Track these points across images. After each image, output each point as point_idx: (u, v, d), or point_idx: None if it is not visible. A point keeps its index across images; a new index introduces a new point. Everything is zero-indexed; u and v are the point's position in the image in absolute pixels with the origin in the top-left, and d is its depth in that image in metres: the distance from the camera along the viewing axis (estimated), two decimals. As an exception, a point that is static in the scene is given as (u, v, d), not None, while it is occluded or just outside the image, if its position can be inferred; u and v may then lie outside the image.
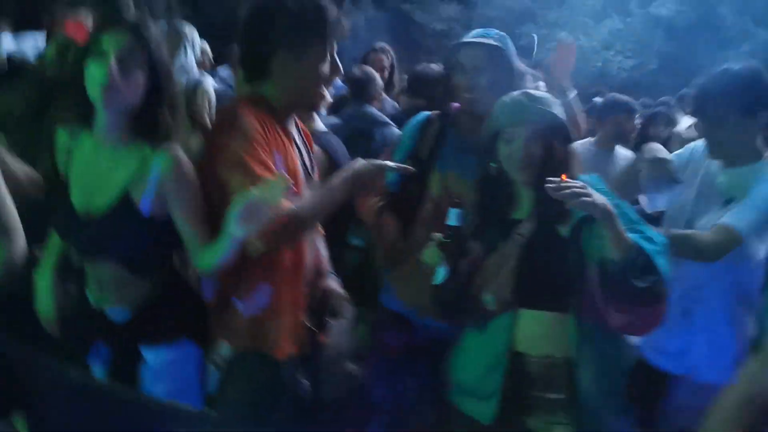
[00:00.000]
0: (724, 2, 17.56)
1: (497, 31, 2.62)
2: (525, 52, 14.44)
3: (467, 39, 2.58)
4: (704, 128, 2.53)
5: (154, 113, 1.97)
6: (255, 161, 1.79)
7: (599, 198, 1.80)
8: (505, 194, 2.12)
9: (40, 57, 3.42)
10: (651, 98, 13.05)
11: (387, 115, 4.16)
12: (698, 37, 17.34)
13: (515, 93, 2.15)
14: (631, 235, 1.83)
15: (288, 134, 2.01)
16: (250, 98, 1.96)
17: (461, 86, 2.53)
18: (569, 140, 2.15)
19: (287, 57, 1.91)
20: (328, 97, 2.20)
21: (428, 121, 2.65)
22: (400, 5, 15.32)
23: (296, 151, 2.05)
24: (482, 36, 2.57)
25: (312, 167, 2.17)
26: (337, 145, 3.27)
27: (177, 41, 4.49)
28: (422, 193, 2.47)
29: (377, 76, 4.32)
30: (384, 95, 4.71)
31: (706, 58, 16.86)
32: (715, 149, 2.50)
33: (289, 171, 1.90)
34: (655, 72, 17.06)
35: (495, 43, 2.54)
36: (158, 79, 1.97)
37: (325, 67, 1.95)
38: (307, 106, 2.15)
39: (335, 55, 2.00)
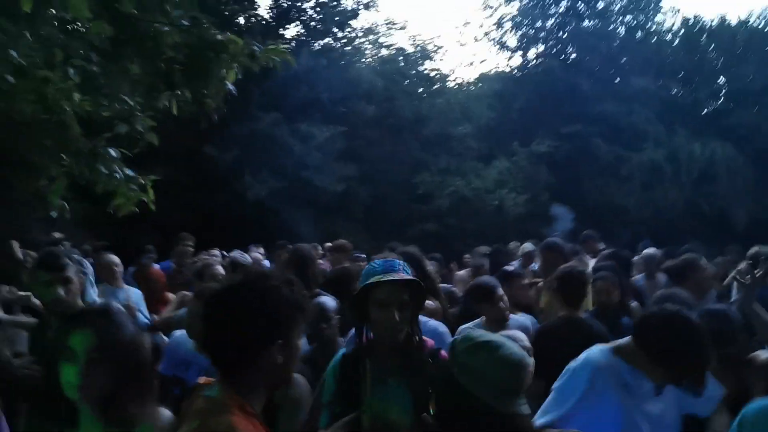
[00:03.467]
0: (595, 134, 19.95)
1: (399, 261, 2.80)
2: (424, 199, 15.75)
3: (378, 279, 2.68)
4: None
5: (125, 398, 2.08)
6: None
7: None
8: None
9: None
10: (548, 226, 14.49)
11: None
12: (578, 167, 19.47)
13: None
14: None
15: (259, 419, 2.01)
16: (236, 398, 1.91)
17: (379, 321, 2.68)
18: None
19: (275, 350, 1.91)
20: None
21: (345, 358, 2.85)
22: (299, 172, 16.46)
23: None
24: (393, 271, 2.71)
25: None
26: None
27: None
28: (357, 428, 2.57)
29: None
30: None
31: (588, 185, 18.94)
32: None
33: None
34: (546, 203, 18.83)
35: (408, 277, 2.71)
36: (127, 363, 2.11)
37: (294, 353, 2.01)
38: (281, 385, 2.16)
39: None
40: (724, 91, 22.77)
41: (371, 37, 21.85)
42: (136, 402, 2.11)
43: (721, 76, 22.78)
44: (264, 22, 18.72)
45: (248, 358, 1.90)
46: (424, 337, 2.82)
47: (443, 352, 2.73)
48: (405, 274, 2.71)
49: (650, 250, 7.73)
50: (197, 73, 4.09)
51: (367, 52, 21.94)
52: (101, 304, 3.07)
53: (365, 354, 2.77)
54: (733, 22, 22.75)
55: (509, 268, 5.54)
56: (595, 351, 2.96)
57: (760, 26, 22.52)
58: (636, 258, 7.82)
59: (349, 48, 20.91)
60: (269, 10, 19.14)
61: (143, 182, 4.63)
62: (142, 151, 4.78)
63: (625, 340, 2.93)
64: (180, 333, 4.21)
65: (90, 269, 4.90)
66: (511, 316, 4.51)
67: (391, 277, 2.67)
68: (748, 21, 22.68)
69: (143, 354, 2.20)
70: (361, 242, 13.60)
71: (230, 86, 4.29)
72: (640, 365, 2.80)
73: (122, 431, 2.08)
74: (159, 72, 4.24)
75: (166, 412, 2.43)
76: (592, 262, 6.87)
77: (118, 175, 4.50)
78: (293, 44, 17.97)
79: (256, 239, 10.89)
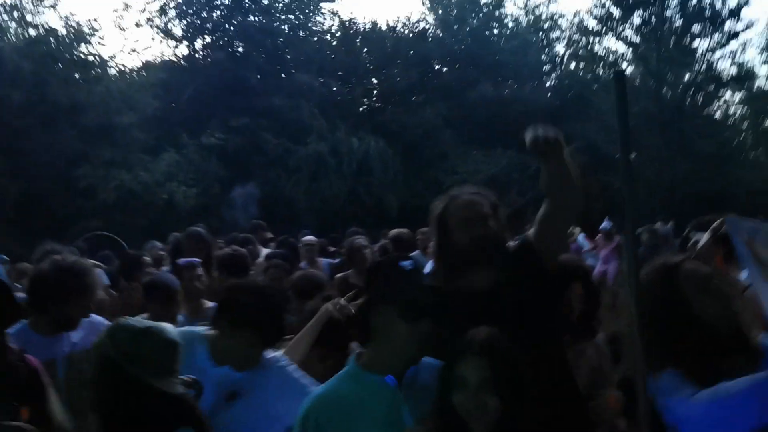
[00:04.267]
0: (264, 127, 20.46)
1: None
2: (86, 194, 14.51)
3: None
4: None
5: None
6: None
7: None
8: None
9: None
10: (219, 221, 14.47)
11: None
12: (247, 159, 19.79)
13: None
14: None
15: None
16: None
17: None
18: None
19: None
20: None
21: None
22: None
23: None
24: None
25: None
26: None
27: None
28: None
29: None
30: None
31: (258, 177, 19.35)
32: None
33: None
34: (218, 195, 18.80)
35: None
36: None
37: None
38: None
39: None
40: (376, 90, 25.14)
41: (15, 14, 19.47)
42: None
43: (373, 77, 25.09)
44: None
45: None
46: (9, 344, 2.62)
47: (30, 357, 2.63)
48: None
49: (310, 238, 8.04)
50: None
51: (10, 30, 19.48)
52: None
53: None
54: (383, 27, 25.18)
55: (182, 261, 5.39)
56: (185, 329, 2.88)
57: (405, 32, 25.27)
58: (300, 245, 8.14)
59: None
60: None
61: None
62: None
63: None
64: None
65: None
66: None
67: None
68: (396, 27, 25.30)
69: None
70: (11, 244, 12.05)
71: None
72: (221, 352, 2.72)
73: None
74: None
75: None
76: (263, 250, 7.04)
77: None
78: None
79: None
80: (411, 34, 25.28)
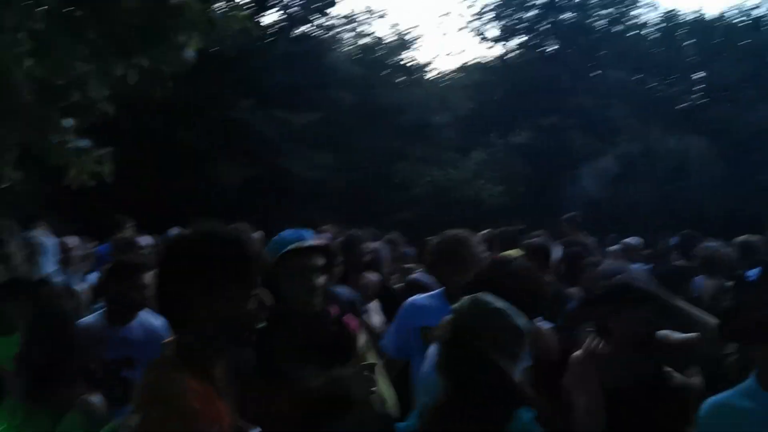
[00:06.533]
0: (572, 126, 19.90)
1: (308, 231, 2.84)
2: (401, 188, 15.36)
3: (296, 246, 2.70)
4: None
5: (58, 375, 2.20)
6: None
7: None
8: None
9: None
10: (522, 219, 14.38)
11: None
12: (553, 159, 19.41)
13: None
14: None
15: (217, 384, 1.90)
16: (179, 354, 1.83)
17: (297, 288, 2.70)
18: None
19: (209, 302, 1.80)
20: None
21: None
22: (275, 159, 16.22)
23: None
24: (302, 239, 2.74)
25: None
26: None
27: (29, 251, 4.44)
28: None
29: None
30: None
31: (561, 177, 18.88)
32: None
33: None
34: (522, 194, 18.75)
35: (324, 243, 2.80)
36: (61, 338, 2.25)
37: (250, 304, 1.88)
38: (236, 345, 2.00)
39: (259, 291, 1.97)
40: (699, 85, 22.88)
41: (350, 25, 21.65)
42: (66, 384, 2.17)
43: (698, 71, 22.87)
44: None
45: (185, 310, 1.80)
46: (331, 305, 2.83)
47: (346, 318, 2.81)
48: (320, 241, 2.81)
49: (631, 240, 7.83)
50: (154, 39, 3.85)
51: (345, 40, 21.72)
52: (39, 277, 3.05)
53: (278, 326, 2.61)
54: (710, 16, 22.85)
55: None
56: None
57: (735, 21, 22.61)
58: (612, 248, 7.85)
59: (328, 36, 20.67)
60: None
61: (99, 154, 4.38)
62: (105, 130, 4.54)
63: None
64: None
65: (50, 247, 4.73)
66: None
67: (309, 243, 2.70)
68: (724, 16, 22.77)
69: (73, 333, 2.31)
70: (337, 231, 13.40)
71: (190, 53, 4.09)
72: None
73: (49, 415, 2.14)
74: (115, 38, 4.00)
75: (97, 398, 2.38)
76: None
77: (70, 146, 4.26)
78: (271, 30, 17.72)
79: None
80: (744, 22, 22.48)
